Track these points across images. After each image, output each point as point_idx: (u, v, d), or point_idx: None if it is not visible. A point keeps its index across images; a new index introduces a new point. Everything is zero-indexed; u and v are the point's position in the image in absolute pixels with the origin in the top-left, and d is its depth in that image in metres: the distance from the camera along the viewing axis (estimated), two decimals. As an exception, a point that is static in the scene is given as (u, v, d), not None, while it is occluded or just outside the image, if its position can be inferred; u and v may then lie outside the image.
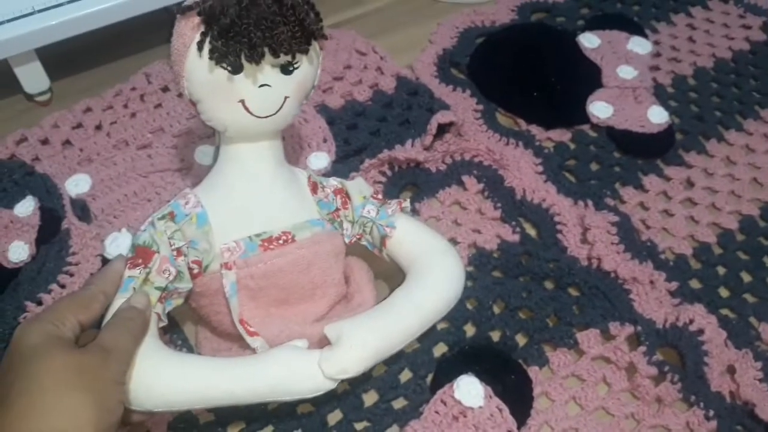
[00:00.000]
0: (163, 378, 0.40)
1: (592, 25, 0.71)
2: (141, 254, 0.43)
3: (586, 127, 0.63)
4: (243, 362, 0.42)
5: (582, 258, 0.54)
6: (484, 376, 0.47)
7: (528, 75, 0.66)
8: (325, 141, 0.60)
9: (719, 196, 0.59)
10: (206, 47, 0.40)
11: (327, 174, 0.58)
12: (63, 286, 0.48)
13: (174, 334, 0.49)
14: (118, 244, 0.52)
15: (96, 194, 0.57)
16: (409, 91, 0.65)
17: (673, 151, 0.62)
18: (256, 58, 0.39)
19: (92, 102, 0.63)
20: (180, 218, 0.44)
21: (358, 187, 0.50)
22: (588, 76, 0.66)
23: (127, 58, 0.70)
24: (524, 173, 0.59)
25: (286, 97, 0.43)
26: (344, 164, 0.58)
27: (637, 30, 0.71)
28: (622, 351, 0.49)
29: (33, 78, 0.63)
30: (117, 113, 0.63)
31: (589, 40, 0.68)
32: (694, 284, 0.53)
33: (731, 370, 0.48)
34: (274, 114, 0.43)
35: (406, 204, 0.49)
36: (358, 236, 0.49)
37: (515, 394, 0.47)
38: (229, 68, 0.40)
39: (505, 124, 0.64)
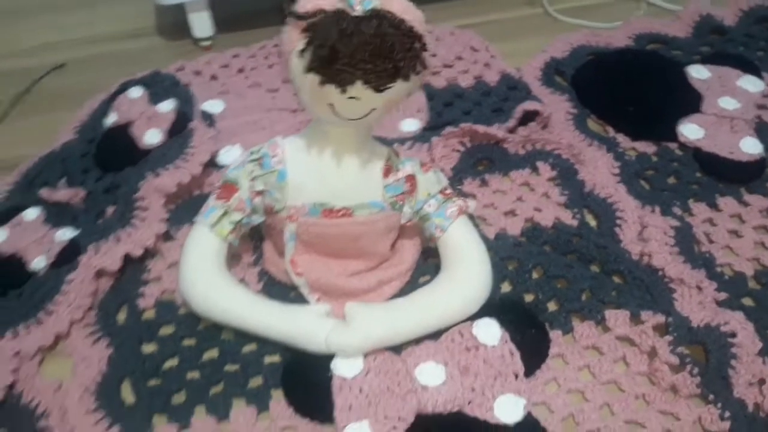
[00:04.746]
0: (215, 299, 0.49)
1: (708, 60, 0.71)
2: (226, 189, 0.50)
3: (673, 145, 0.64)
4: (271, 308, 0.50)
5: (634, 253, 0.54)
6: (505, 324, 0.49)
7: (627, 91, 0.68)
8: (419, 111, 0.66)
9: (800, 230, 0.57)
10: (306, 56, 0.41)
11: (416, 137, 0.64)
12: (177, 168, 0.58)
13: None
14: (229, 154, 0.63)
15: (225, 116, 0.67)
16: (510, 86, 0.69)
17: (759, 181, 0.60)
18: (346, 86, 0.40)
19: (241, 50, 0.75)
20: (266, 167, 0.50)
21: (428, 182, 0.51)
22: (687, 101, 0.66)
23: (281, 26, 0.82)
24: (599, 171, 0.61)
25: (373, 108, 0.44)
26: (431, 132, 0.64)
27: (753, 71, 0.70)
28: (648, 336, 0.49)
29: (201, 25, 0.77)
30: (258, 62, 0.74)
31: (698, 71, 0.69)
32: (747, 302, 0.52)
33: (762, 382, 0.47)
34: (358, 119, 0.45)
35: (471, 207, 0.52)
36: (414, 222, 0.52)
37: (531, 346, 0.49)
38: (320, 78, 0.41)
39: (593, 129, 0.66)
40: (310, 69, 0.40)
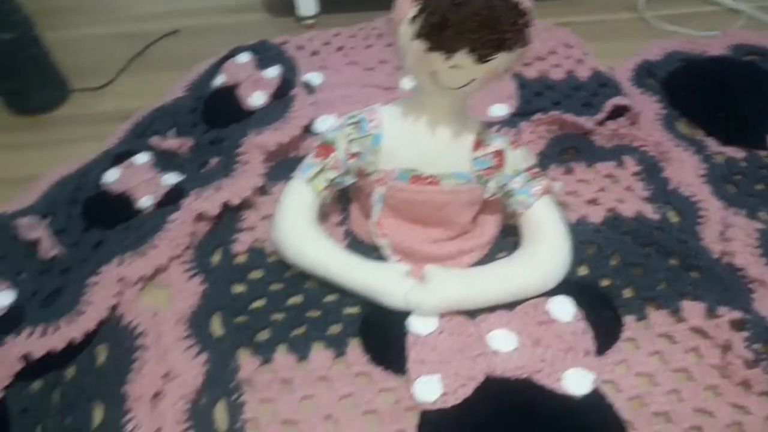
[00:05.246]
0: (306, 248, 0.53)
1: (808, 75, 0.71)
2: (324, 148, 0.54)
3: (763, 153, 0.63)
4: (356, 262, 0.53)
5: (715, 252, 0.54)
6: (579, 304, 0.50)
7: (720, 97, 0.67)
8: (510, 97, 0.68)
9: None
10: (416, 22, 0.43)
11: (503, 122, 0.66)
12: (278, 129, 0.62)
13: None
14: (325, 123, 0.66)
15: (323, 89, 0.71)
16: (600, 83, 0.70)
17: None
18: (451, 53, 0.42)
19: (342, 30, 0.79)
20: (363, 130, 0.52)
21: (516, 158, 0.53)
22: (783, 113, 0.66)
23: (383, 11, 0.85)
24: (685, 170, 0.61)
25: (473, 78, 0.45)
26: (519, 119, 0.66)
27: None
28: (723, 330, 0.49)
29: (307, 3, 0.81)
30: (357, 42, 0.78)
31: (795, 84, 0.68)
32: (831, 313, 0.51)
33: (839, 388, 0.46)
34: (459, 88, 0.46)
35: (556, 187, 0.53)
36: (498, 197, 0.54)
37: (603, 327, 0.50)
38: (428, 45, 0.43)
39: (682, 131, 0.66)
40: (419, 35, 0.43)
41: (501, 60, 0.44)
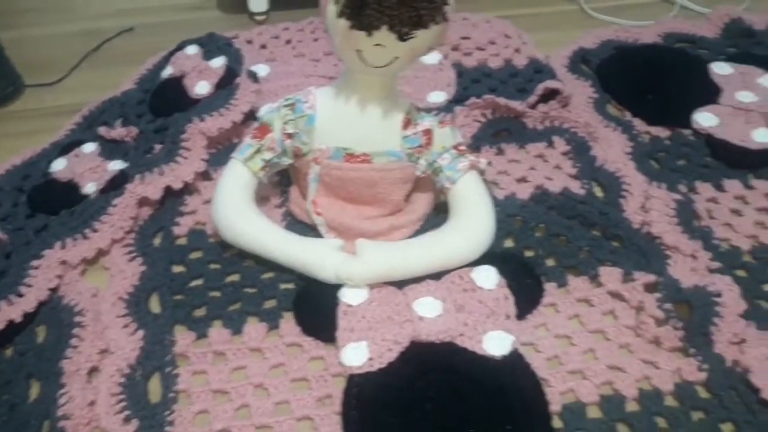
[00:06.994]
0: (242, 226, 0.54)
1: (732, 59, 0.73)
2: (261, 129, 0.55)
3: (687, 131, 0.66)
4: (289, 237, 0.54)
5: (635, 222, 0.56)
6: (503, 273, 0.52)
7: (649, 81, 0.70)
8: (448, 85, 0.70)
9: (804, 216, 0.58)
10: (339, 2, 0.45)
11: (440, 108, 0.68)
12: (221, 115, 0.64)
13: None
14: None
15: (269, 79, 0.72)
16: (536, 70, 0.72)
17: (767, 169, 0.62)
18: (371, 30, 0.44)
19: (290, 24, 0.81)
20: (298, 111, 0.54)
21: (444, 136, 0.54)
22: (706, 94, 0.68)
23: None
24: (612, 149, 0.63)
25: (396, 57, 0.48)
26: (456, 104, 0.68)
27: (777, 71, 0.72)
28: (637, 292, 0.51)
29: (258, 0, 0.83)
30: (304, 35, 0.79)
31: (720, 68, 0.70)
32: (740, 273, 0.53)
33: (742, 341, 0.48)
34: (383, 66, 0.48)
35: (482, 163, 0.55)
36: (428, 174, 0.56)
37: (525, 293, 0.52)
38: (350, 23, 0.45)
39: (611, 113, 0.69)
40: (341, 14, 0.45)
41: (421, 38, 0.46)
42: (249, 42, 0.79)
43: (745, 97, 0.67)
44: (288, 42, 0.79)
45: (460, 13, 0.82)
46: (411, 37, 0.45)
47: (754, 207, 0.58)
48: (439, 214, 0.58)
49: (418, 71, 0.72)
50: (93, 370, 0.49)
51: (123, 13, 0.89)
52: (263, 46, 0.79)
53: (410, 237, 0.57)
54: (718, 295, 0.49)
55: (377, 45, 0.46)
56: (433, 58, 0.73)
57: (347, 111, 0.53)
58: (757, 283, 0.53)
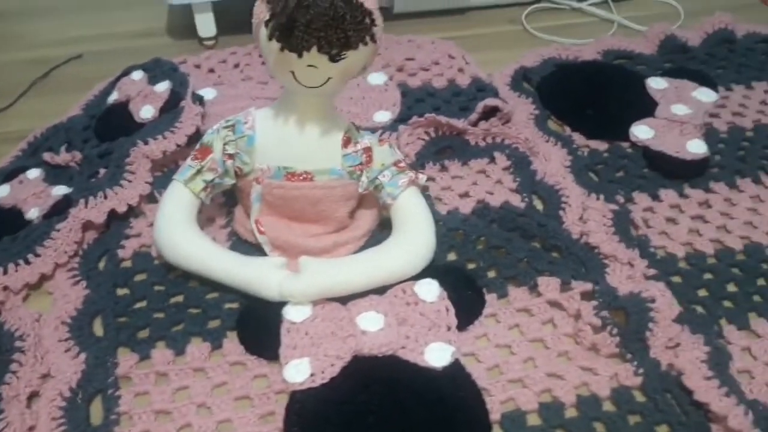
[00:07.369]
0: (183, 246, 0.54)
1: (668, 74, 0.75)
2: (202, 150, 0.56)
3: (624, 144, 0.68)
4: (231, 256, 0.55)
5: (574, 233, 0.58)
6: (445, 285, 0.53)
7: (588, 97, 0.72)
8: (394, 105, 0.72)
9: (734, 222, 0.60)
10: (270, 25, 0.46)
11: (385, 127, 0.69)
12: (165, 138, 0.64)
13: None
14: (215, 132, 0.68)
15: (215, 102, 0.73)
16: (479, 89, 0.74)
17: (702, 179, 0.64)
18: (301, 52, 0.45)
19: (238, 48, 0.82)
20: (238, 132, 0.55)
21: (383, 154, 0.55)
22: (643, 108, 0.70)
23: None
24: (552, 163, 0.65)
25: (329, 77, 0.49)
26: (401, 124, 0.69)
27: (709, 84, 0.73)
28: (575, 300, 0.52)
29: (206, 26, 0.83)
30: (252, 59, 0.80)
31: (656, 83, 0.73)
32: (675, 279, 0.55)
33: (676, 345, 0.49)
34: (318, 87, 0.49)
35: (421, 179, 0.56)
36: (370, 191, 0.56)
37: (466, 305, 0.52)
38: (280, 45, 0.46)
39: (552, 128, 0.70)
40: (271, 36, 0.46)
41: (353, 59, 0.48)
42: (197, 66, 0.80)
43: (680, 110, 0.69)
44: (236, 66, 0.80)
45: (404, 35, 0.84)
46: (342, 58, 0.46)
47: (689, 215, 0.60)
48: (384, 230, 0.59)
49: (365, 92, 0.73)
50: (33, 395, 0.48)
51: (72, 40, 0.89)
52: (211, 70, 0.79)
53: (355, 253, 0.57)
54: (652, 300, 0.50)
55: (310, 66, 0.47)
56: (378, 78, 0.75)
57: (287, 131, 0.54)
58: (691, 288, 0.54)
